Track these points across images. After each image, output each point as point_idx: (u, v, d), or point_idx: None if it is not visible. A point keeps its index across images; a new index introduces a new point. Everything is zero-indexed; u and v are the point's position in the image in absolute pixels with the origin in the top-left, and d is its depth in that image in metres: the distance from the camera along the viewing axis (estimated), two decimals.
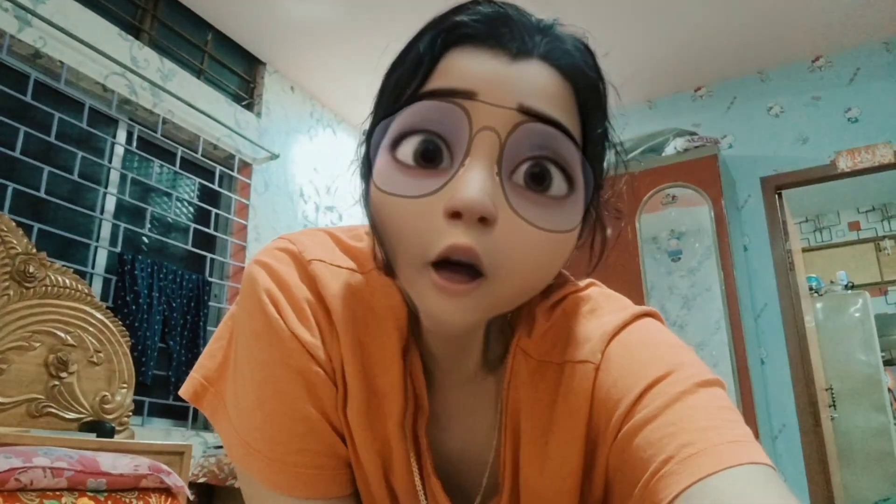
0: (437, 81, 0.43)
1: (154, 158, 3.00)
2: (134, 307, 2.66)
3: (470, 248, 0.40)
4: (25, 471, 1.42)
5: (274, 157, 3.57)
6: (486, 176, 0.40)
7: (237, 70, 3.58)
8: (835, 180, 3.45)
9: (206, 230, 3.19)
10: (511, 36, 0.44)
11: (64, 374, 2.03)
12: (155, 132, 2.98)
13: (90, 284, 2.41)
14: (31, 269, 2.00)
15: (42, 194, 2.47)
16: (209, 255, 3.22)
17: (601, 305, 0.53)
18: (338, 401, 0.50)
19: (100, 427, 2.05)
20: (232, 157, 3.38)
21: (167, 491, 1.72)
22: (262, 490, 0.49)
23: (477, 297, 0.41)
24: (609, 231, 0.51)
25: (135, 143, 2.93)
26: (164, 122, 3.00)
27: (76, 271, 2.19)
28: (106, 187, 2.78)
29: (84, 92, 2.74)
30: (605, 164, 0.50)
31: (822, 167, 3.39)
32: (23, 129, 2.43)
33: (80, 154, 2.63)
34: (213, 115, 3.19)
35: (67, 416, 2.03)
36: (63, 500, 1.47)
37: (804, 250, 4.81)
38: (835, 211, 5.66)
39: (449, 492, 0.52)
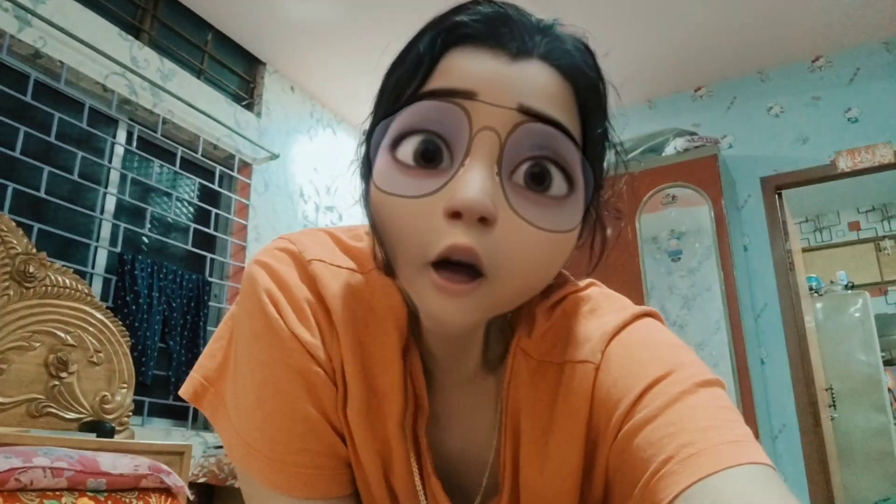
0: (437, 81, 0.43)
1: (154, 158, 3.00)
2: (134, 307, 2.66)
3: (470, 248, 0.40)
4: (25, 471, 1.42)
5: (274, 157, 3.57)
6: (486, 176, 0.40)
7: (237, 70, 3.58)
8: (835, 180, 3.45)
9: (206, 230, 3.19)
10: (511, 36, 0.44)
11: (64, 374, 2.03)
12: (155, 132, 2.98)
13: (90, 284, 2.41)
14: (31, 269, 2.00)
15: (42, 194, 2.47)
16: (209, 255, 3.22)
17: (601, 305, 0.53)
18: (338, 401, 0.50)
19: (100, 427, 2.05)
20: (232, 157, 3.38)
21: (167, 491, 1.72)
22: (262, 490, 0.49)
23: (477, 297, 0.41)
24: (609, 231, 0.51)
25: (135, 143, 2.93)
26: (164, 122, 3.00)
27: (76, 271, 2.19)
28: (106, 187, 2.78)
29: (84, 92, 2.74)
30: (605, 164, 0.50)
31: (822, 167, 3.39)
32: (23, 129, 2.43)
33: (80, 154, 2.63)
34: (213, 115, 3.19)
35: (67, 416, 2.03)
36: (63, 500, 1.47)
37: (804, 250, 4.81)
38: (835, 211, 5.66)
39: (449, 492, 0.52)
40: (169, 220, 3.10)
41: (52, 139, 2.52)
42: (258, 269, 0.50)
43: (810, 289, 4.43)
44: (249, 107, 3.59)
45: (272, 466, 0.48)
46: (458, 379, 0.53)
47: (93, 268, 2.67)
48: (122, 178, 2.86)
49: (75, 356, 2.07)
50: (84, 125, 2.66)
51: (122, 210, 2.84)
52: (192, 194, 3.25)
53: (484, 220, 0.40)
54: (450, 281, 0.40)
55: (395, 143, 0.43)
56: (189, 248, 3.10)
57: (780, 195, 3.53)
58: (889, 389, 4.39)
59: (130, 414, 2.22)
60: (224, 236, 3.31)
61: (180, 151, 3.10)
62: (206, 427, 2.98)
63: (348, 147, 4.21)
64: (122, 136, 2.90)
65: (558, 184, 0.43)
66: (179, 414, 2.95)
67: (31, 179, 2.47)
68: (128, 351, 2.25)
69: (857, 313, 4.47)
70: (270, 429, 0.48)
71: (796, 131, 3.50)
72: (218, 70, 3.46)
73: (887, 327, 4.88)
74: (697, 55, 3.56)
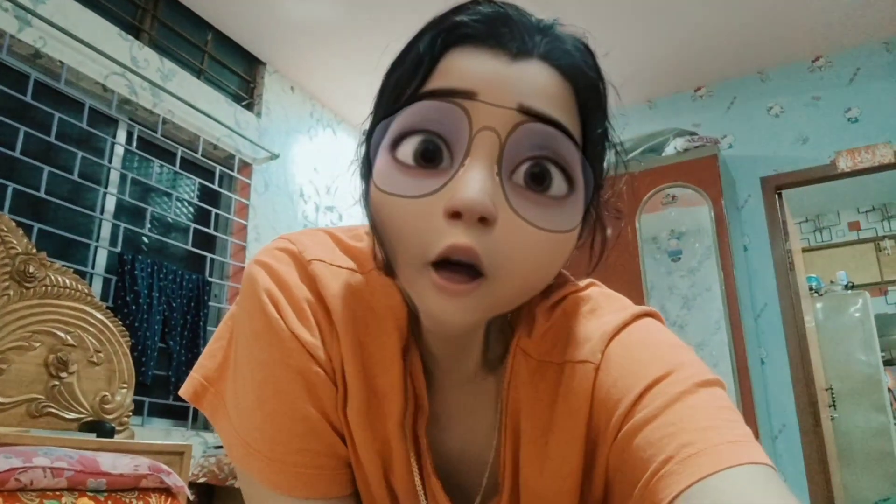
0: (437, 81, 0.43)
1: (154, 158, 3.00)
2: (134, 307, 2.66)
3: (470, 248, 0.40)
4: (25, 471, 1.42)
5: (274, 157, 3.57)
6: (486, 176, 0.40)
7: (237, 70, 3.58)
8: (835, 180, 3.45)
9: (206, 230, 3.19)
10: (511, 36, 0.44)
11: (64, 374, 2.03)
12: (155, 132, 2.98)
13: (90, 284, 2.41)
14: (31, 269, 2.00)
15: (42, 194, 2.47)
16: (209, 255, 3.22)
17: (601, 305, 0.53)
18: (338, 401, 0.50)
19: (100, 427, 2.05)
20: (232, 157, 3.38)
21: (167, 491, 1.72)
22: (262, 490, 0.49)
23: (477, 297, 0.41)
24: (609, 231, 0.51)
25: (135, 143, 2.93)
26: (164, 122, 3.00)
27: (76, 271, 2.19)
28: (106, 187, 2.78)
29: (84, 92, 2.74)
30: (605, 164, 0.50)
31: (822, 167, 3.39)
32: (23, 129, 2.43)
33: (80, 154, 2.63)
34: (213, 115, 3.19)
35: (67, 416, 2.03)
36: (63, 500, 1.47)
37: (804, 250, 4.81)
38: (835, 211, 5.66)
39: (449, 492, 0.52)
40: (169, 220, 3.10)
41: (52, 139, 2.52)
42: (258, 269, 0.50)
43: (810, 289, 4.43)
44: (249, 107, 3.59)
45: (272, 466, 0.48)
46: (458, 379, 0.53)
47: (93, 268, 2.67)
48: (122, 178, 2.86)
49: (75, 356, 2.07)
50: (84, 125, 2.66)
51: (122, 210, 2.84)
52: (192, 194, 3.25)
53: (484, 220, 0.40)
54: (450, 281, 0.40)
55: (395, 143, 0.43)
56: (189, 248, 3.10)
57: (780, 195, 3.53)
58: (889, 389, 4.39)
59: (130, 414, 2.22)
60: (224, 236, 3.31)
61: (180, 151, 3.10)
62: (206, 427, 2.98)
63: (348, 147, 4.21)
64: (122, 136, 2.90)
65: (558, 184, 0.43)
66: (179, 414, 2.95)
67: (31, 179, 2.47)
68: (128, 351, 2.25)
69: (857, 313, 4.47)
70: (270, 429, 0.48)
71: (796, 131, 3.50)
72: (218, 70, 3.46)
73: (887, 327, 4.88)
74: (697, 55, 3.56)
